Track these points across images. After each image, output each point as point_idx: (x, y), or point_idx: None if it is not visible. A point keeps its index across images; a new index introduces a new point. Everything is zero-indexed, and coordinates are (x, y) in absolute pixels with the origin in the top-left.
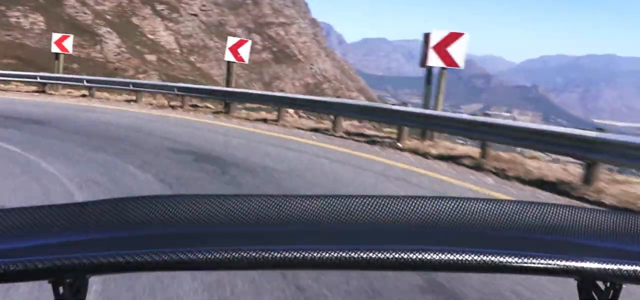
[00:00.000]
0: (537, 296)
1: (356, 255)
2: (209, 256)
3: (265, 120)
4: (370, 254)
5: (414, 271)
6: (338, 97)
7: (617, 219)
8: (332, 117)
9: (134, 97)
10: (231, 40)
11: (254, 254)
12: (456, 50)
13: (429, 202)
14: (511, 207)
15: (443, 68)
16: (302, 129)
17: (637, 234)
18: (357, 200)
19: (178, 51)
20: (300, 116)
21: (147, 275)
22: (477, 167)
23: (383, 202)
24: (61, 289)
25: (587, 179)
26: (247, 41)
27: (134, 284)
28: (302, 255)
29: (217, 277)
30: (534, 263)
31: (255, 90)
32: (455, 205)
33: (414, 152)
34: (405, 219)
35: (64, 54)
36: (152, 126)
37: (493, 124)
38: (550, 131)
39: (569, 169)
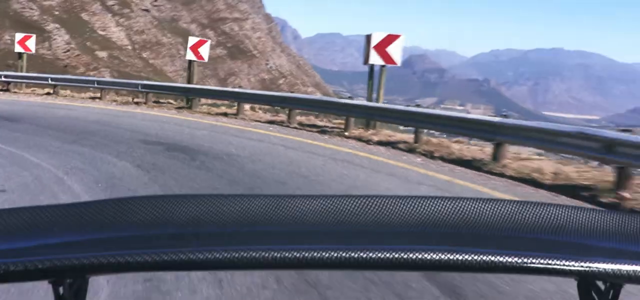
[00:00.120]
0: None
1: (356, 255)
2: (209, 256)
3: (225, 114)
4: (370, 254)
5: (414, 271)
6: (293, 92)
7: (617, 219)
8: (286, 110)
9: (98, 95)
10: (192, 40)
11: (254, 254)
12: (394, 50)
13: (429, 202)
14: (511, 207)
15: (382, 66)
16: (260, 122)
17: (637, 234)
18: (357, 200)
19: (130, 47)
20: (257, 110)
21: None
22: (410, 150)
23: (383, 202)
24: (61, 289)
25: (495, 156)
26: (206, 41)
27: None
28: (302, 255)
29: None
30: (534, 263)
31: (215, 86)
32: (455, 205)
33: (358, 139)
34: (405, 219)
35: (26, 52)
36: (120, 121)
37: (423, 113)
38: (467, 118)
39: (485, 150)
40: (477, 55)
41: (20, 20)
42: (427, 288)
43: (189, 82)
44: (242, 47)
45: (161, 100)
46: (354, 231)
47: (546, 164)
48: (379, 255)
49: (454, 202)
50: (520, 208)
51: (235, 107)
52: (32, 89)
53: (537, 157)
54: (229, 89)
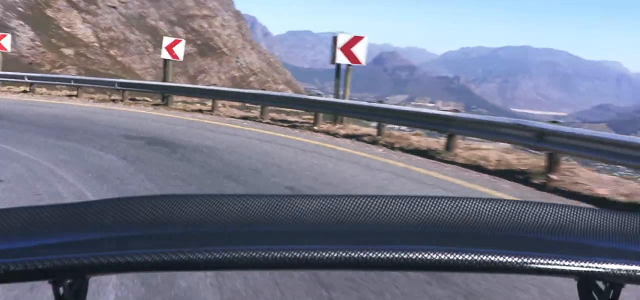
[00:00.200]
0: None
1: (356, 255)
2: (209, 256)
3: (201, 111)
4: (370, 254)
5: (414, 271)
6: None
7: (617, 219)
8: (259, 106)
9: (74, 93)
10: (167, 40)
11: (254, 254)
12: (358, 51)
13: (429, 202)
14: (511, 207)
15: (348, 65)
16: (234, 118)
17: (637, 234)
18: (357, 200)
19: (97, 45)
20: (231, 107)
21: None
22: (373, 142)
23: (383, 202)
24: (61, 289)
25: (448, 146)
26: (181, 40)
27: None
28: (302, 255)
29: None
30: (534, 263)
31: (187, 84)
32: (455, 205)
33: (327, 132)
34: (405, 219)
35: (2, 52)
36: (99, 118)
37: (384, 108)
38: (422, 112)
39: (440, 141)
40: (447, 52)
41: None
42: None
43: (164, 80)
44: (211, 44)
45: (137, 98)
46: (354, 231)
47: (492, 153)
48: (379, 255)
49: (454, 202)
50: (520, 208)
51: (210, 104)
52: (7, 86)
53: (485, 147)
54: (205, 86)
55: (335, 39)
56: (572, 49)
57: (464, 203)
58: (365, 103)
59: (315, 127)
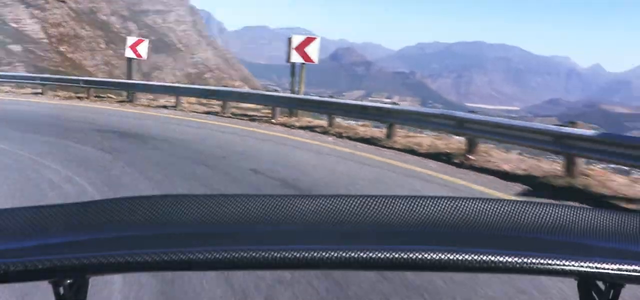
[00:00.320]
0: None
1: (356, 255)
2: (209, 256)
3: (165, 107)
4: (370, 254)
5: (414, 271)
6: (222, 86)
7: (617, 219)
8: (220, 102)
9: (39, 91)
10: (130, 40)
11: (254, 254)
12: (311, 50)
13: (429, 202)
14: (511, 207)
15: (302, 63)
16: (198, 112)
17: (637, 234)
18: (357, 200)
19: (46, 41)
20: (195, 103)
21: None
22: (325, 132)
23: (383, 202)
24: (61, 289)
25: (389, 135)
26: (144, 40)
27: None
28: (302, 255)
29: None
30: (534, 263)
31: (151, 82)
32: (455, 205)
33: (283, 125)
34: (405, 219)
35: None
36: (70, 114)
37: (334, 102)
38: (367, 105)
39: (383, 131)
40: (404, 48)
41: None
42: None
43: (128, 78)
44: (166, 40)
45: (101, 95)
46: (354, 231)
47: (425, 139)
48: (379, 255)
49: (454, 202)
50: (520, 208)
51: (174, 100)
52: None
53: (421, 135)
54: (169, 84)
55: (290, 40)
56: (524, 45)
57: (464, 203)
58: (317, 98)
59: (273, 120)
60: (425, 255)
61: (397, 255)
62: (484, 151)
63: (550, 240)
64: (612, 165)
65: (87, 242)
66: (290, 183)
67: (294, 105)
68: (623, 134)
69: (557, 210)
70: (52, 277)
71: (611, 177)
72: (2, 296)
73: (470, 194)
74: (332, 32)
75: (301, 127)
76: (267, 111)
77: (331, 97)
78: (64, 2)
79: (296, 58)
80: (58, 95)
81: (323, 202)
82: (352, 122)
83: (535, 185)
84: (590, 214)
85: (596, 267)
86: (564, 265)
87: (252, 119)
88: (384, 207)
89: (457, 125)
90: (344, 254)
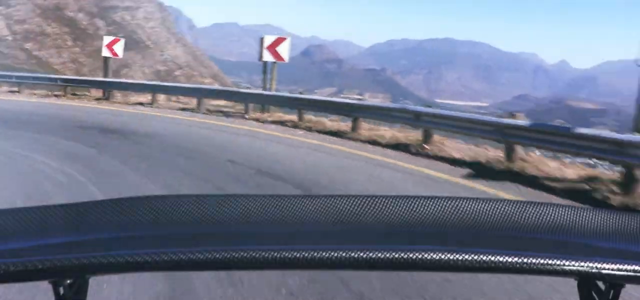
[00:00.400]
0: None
1: (356, 255)
2: (209, 256)
3: (141, 104)
4: (370, 254)
5: (414, 271)
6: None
7: (617, 218)
8: (195, 99)
9: (16, 89)
10: (107, 39)
11: (254, 254)
12: (282, 50)
13: (429, 202)
14: (511, 207)
15: (274, 62)
16: (174, 109)
17: (637, 234)
18: (357, 200)
19: (10, 38)
20: (169, 100)
21: None
22: (295, 126)
23: (383, 202)
24: (61, 289)
25: (354, 128)
26: (120, 40)
27: None
28: (302, 255)
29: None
30: (534, 263)
31: (128, 80)
32: (455, 205)
33: (256, 120)
34: (405, 219)
35: None
36: (50, 112)
37: (304, 99)
38: (333, 101)
39: (349, 124)
40: (374, 45)
41: None
42: None
43: (105, 76)
44: (134, 37)
45: (77, 93)
46: (354, 231)
47: (387, 132)
48: (379, 255)
49: (454, 202)
50: (520, 208)
51: (150, 98)
52: None
53: (384, 128)
54: (146, 81)
55: (262, 39)
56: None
57: (464, 203)
58: (287, 94)
59: (247, 116)
60: (425, 255)
61: (397, 255)
62: (438, 141)
63: (550, 240)
64: (550, 153)
65: (87, 242)
66: (264, 171)
67: (266, 102)
68: (549, 122)
69: (557, 210)
70: (52, 277)
71: (545, 161)
72: (2, 296)
73: (422, 176)
74: (303, 29)
75: (273, 122)
76: (240, 107)
77: (301, 93)
78: None
79: (268, 57)
80: (35, 94)
81: (323, 202)
82: (321, 117)
83: (479, 169)
84: (590, 214)
85: (596, 267)
86: (564, 265)
87: (226, 114)
88: (384, 207)
89: (415, 118)
90: (344, 254)
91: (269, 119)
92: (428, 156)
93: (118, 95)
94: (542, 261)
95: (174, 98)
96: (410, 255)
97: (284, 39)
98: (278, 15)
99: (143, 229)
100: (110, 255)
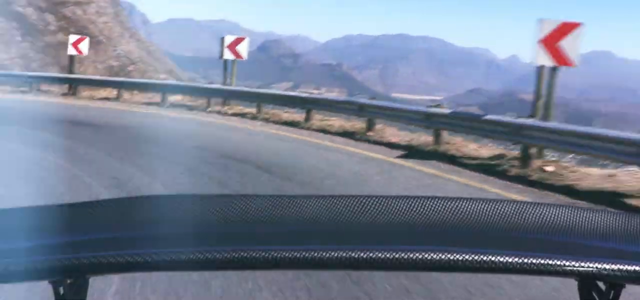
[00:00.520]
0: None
1: (356, 255)
2: (209, 256)
3: (107, 99)
4: (370, 254)
5: (414, 271)
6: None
7: (617, 219)
8: (159, 94)
9: None
10: (72, 38)
11: (254, 254)
12: (241, 48)
13: (429, 202)
14: (511, 207)
15: (234, 59)
16: (138, 103)
17: (637, 234)
18: (357, 200)
19: None
20: (134, 95)
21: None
22: (254, 118)
23: (383, 202)
24: (61, 289)
25: (307, 119)
26: (85, 38)
27: None
28: (302, 255)
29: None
30: (533, 263)
31: (95, 76)
32: (455, 206)
33: (218, 112)
34: (405, 219)
35: None
36: (22, 107)
37: (261, 93)
38: (287, 95)
39: (303, 116)
40: (331, 40)
41: None
42: None
43: (70, 72)
44: (86, 32)
45: (43, 89)
46: (354, 231)
47: (337, 122)
48: (379, 255)
49: (454, 202)
50: (520, 208)
51: (116, 93)
52: None
53: (334, 119)
54: (111, 78)
55: (223, 39)
56: (446, 37)
57: (464, 203)
58: (246, 89)
59: (209, 109)
60: (425, 255)
61: (397, 255)
62: (380, 129)
63: (550, 240)
64: (472, 136)
65: (87, 242)
66: (228, 155)
67: (227, 96)
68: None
69: (557, 210)
70: (52, 277)
71: (466, 144)
72: (2, 296)
73: (362, 157)
74: (259, 24)
75: (234, 114)
76: (202, 101)
77: (259, 88)
78: None
79: (228, 55)
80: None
81: (323, 202)
82: (278, 110)
83: (411, 151)
84: (590, 214)
85: (596, 267)
86: (564, 265)
87: (189, 108)
88: (384, 207)
89: (359, 110)
90: (344, 254)
91: (230, 111)
92: (370, 141)
93: (83, 91)
94: (542, 261)
95: (136, 93)
96: (411, 255)
97: (243, 38)
98: (234, 10)
99: (143, 228)
100: (110, 255)
